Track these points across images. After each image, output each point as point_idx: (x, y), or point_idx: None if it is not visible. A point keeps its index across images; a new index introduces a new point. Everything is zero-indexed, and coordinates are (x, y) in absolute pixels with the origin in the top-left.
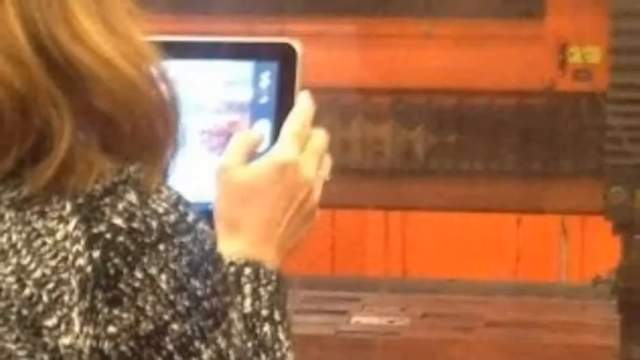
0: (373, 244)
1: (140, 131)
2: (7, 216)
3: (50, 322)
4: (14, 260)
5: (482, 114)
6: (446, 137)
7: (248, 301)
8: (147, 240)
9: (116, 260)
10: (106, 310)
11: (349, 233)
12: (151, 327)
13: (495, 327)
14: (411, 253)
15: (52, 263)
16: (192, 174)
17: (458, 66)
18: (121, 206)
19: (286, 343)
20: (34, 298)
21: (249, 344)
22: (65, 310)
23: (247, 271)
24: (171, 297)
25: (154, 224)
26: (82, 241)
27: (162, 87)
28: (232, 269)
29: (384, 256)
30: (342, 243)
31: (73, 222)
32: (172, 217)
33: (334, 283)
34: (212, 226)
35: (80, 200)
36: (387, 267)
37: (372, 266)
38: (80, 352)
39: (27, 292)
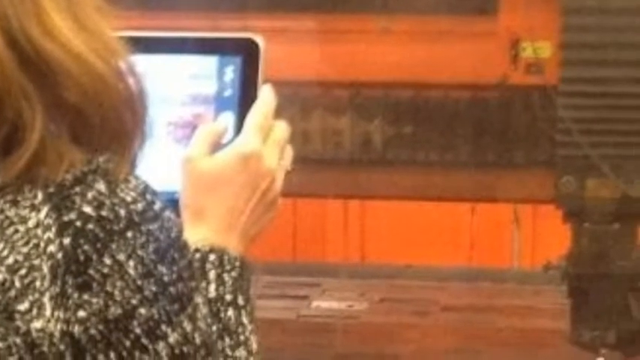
0: (333, 231)
1: (109, 123)
2: None
3: (22, 306)
4: None
5: (438, 106)
6: (403, 129)
7: (212, 287)
8: (115, 227)
9: (86, 247)
10: (76, 295)
11: (310, 221)
12: (119, 311)
13: (450, 311)
14: (369, 241)
15: (24, 250)
16: (159, 164)
17: (414, 60)
18: (90, 195)
19: (249, 327)
20: (7, 284)
21: (214, 328)
22: (37, 295)
23: (212, 257)
24: (139, 282)
25: (122, 212)
26: (53, 229)
27: (130, 80)
28: (197, 256)
29: (343, 243)
30: (303, 230)
31: (44, 210)
32: (140, 206)
33: (295, 269)
34: (178, 215)
35: (51, 189)
36: (346, 254)
37: (332, 253)
38: (51, 335)
39: (0, 277)
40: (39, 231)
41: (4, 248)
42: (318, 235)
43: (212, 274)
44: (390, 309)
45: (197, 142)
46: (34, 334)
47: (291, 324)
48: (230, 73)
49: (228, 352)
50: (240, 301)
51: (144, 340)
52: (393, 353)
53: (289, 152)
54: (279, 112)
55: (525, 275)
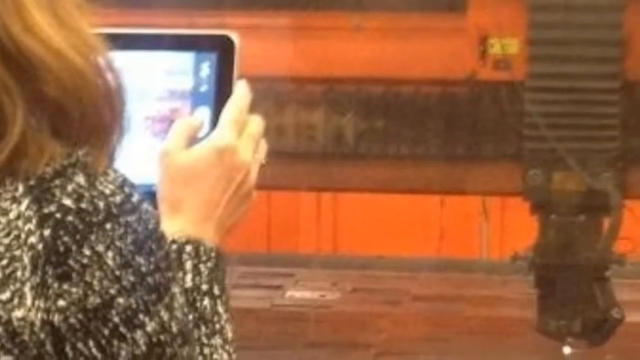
0: (306, 223)
1: (88, 117)
2: None
3: (4, 296)
4: None
5: (409, 101)
6: (374, 123)
7: (189, 277)
8: (94, 219)
9: (65, 238)
10: (56, 284)
11: (284, 213)
12: (98, 301)
13: (421, 301)
14: (341, 232)
15: (6, 241)
16: (137, 157)
17: (385, 57)
18: (70, 188)
19: (225, 316)
20: None
21: (190, 317)
22: (18, 285)
23: (188, 248)
24: (117, 273)
25: (101, 204)
26: (34, 221)
27: (109, 76)
28: (174, 247)
29: (316, 234)
30: (277, 222)
31: (25, 202)
32: (118, 198)
33: (270, 259)
34: (155, 207)
35: (32, 182)
36: (319, 245)
37: (305, 244)
38: (32, 324)
39: None
40: (20, 223)
41: None
42: (292, 226)
43: (188, 265)
44: (362, 299)
45: (174, 136)
46: (15, 322)
47: (266, 313)
48: (206, 69)
49: (204, 340)
50: (216, 290)
51: (122, 329)
52: (364, 342)
53: (264, 146)
54: (253, 107)
55: (493, 266)
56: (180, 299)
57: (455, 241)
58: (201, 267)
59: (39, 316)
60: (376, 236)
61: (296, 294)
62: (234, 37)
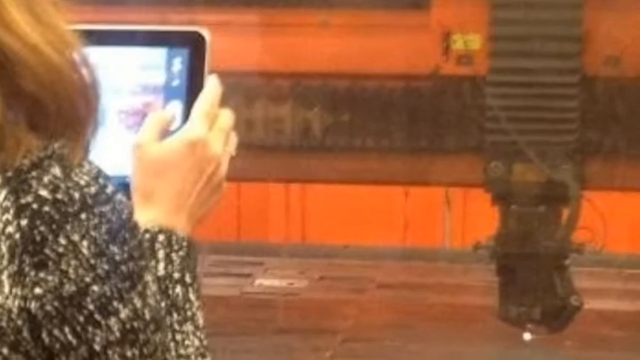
0: (275, 213)
1: (64, 111)
2: None
3: None
4: None
5: (374, 95)
6: (340, 117)
7: (161, 265)
8: (70, 210)
9: (42, 228)
10: (32, 273)
11: (253, 204)
12: (73, 288)
13: (386, 289)
14: (309, 222)
15: None
16: (111, 150)
17: (351, 52)
18: (46, 179)
19: (196, 303)
20: None
21: (163, 304)
22: None
23: (161, 237)
24: (92, 261)
25: (77, 195)
26: (11, 211)
27: (84, 71)
28: (147, 236)
29: (284, 224)
30: (247, 212)
31: (2, 193)
32: (93, 189)
33: (239, 248)
34: (129, 197)
35: (9, 174)
36: (287, 234)
37: (274, 233)
38: (9, 311)
39: None
40: None
41: None
42: (261, 216)
43: (161, 254)
44: (329, 286)
45: (147, 129)
46: None
47: (235, 300)
48: (178, 64)
49: (176, 327)
50: (188, 278)
51: (97, 316)
52: (331, 328)
53: (234, 139)
54: (224, 101)
55: (456, 254)
56: (153, 287)
57: (419, 230)
58: (174, 256)
59: (16, 303)
60: (343, 226)
61: (265, 282)
62: (205, 33)
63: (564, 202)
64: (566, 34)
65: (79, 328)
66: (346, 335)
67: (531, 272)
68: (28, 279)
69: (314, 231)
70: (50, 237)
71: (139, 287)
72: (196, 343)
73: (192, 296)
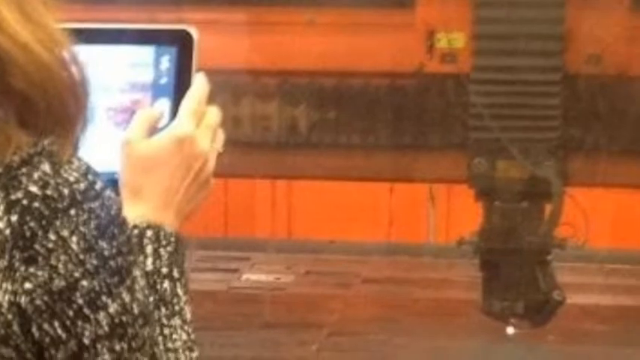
0: (261, 209)
1: (53, 108)
2: None
3: None
4: None
5: (359, 93)
6: (326, 114)
7: (150, 260)
8: (59, 205)
9: (32, 224)
10: (22, 268)
11: (240, 200)
12: (63, 283)
13: (371, 283)
14: (295, 218)
15: None
16: (100, 147)
17: (337, 50)
18: (36, 175)
19: (184, 298)
20: None
21: (151, 299)
22: None
23: (149, 233)
24: (81, 256)
25: (66, 191)
26: (1, 207)
27: (73, 69)
28: (136, 232)
29: (271, 220)
30: (234, 208)
31: None
32: (82, 185)
33: (226, 244)
34: (117, 194)
35: None
36: (274, 230)
37: (261, 229)
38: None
39: None
40: None
41: None
42: (248, 212)
43: (149, 249)
44: (315, 281)
45: (135, 126)
46: None
47: (223, 295)
48: (166, 62)
49: (164, 321)
50: (176, 273)
51: (86, 310)
52: (317, 322)
53: (221, 136)
54: (211, 99)
55: (440, 250)
56: (142, 282)
57: (403, 226)
58: (162, 251)
59: (6, 298)
60: (328, 222)
61: (252, 277)
62: (193, 31)
63: (547, 198)
64: (548, 32)
65: (68, 323)
66: (332, 329)
67: (514, 267)
68: (18, 274)
69: (300, 227)
70: (40, 233)
71: (128, 282)
72: (184, 337)
73: (179, 291)
